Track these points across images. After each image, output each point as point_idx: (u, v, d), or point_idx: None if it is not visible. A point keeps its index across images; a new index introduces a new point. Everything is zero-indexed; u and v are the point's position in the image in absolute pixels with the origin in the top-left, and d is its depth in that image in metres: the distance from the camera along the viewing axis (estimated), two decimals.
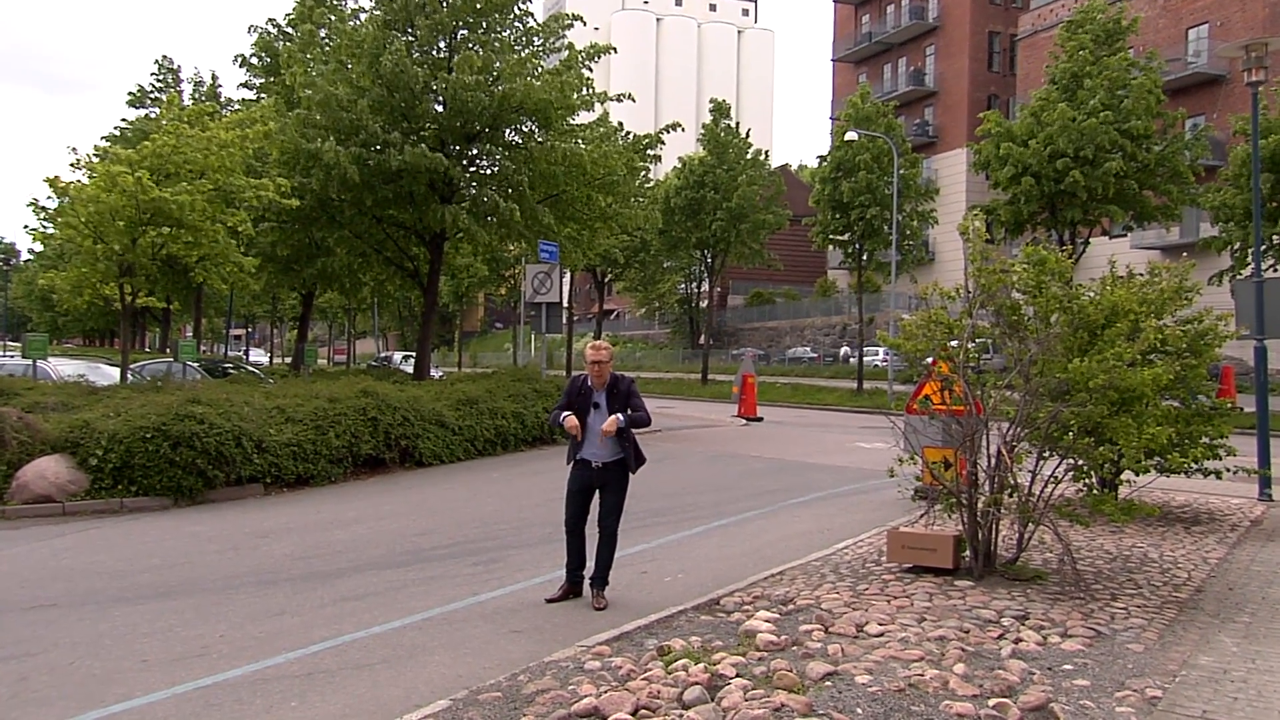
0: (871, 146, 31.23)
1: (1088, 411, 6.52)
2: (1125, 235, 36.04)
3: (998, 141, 26.85)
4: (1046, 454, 6.90)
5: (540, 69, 18.15)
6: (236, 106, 25.08)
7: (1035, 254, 7.22)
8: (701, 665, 4.86)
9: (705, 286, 49.21)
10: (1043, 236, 26.76)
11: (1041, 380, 6.73)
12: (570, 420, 6.61)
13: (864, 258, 32.76)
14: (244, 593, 7.15)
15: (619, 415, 6.52)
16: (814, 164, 41.76)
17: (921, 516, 7.55)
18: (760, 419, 23.70)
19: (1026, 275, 7.18)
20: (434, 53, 18.40)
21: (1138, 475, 8.20)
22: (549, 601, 6.74)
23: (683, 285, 54.84)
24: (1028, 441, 6.84)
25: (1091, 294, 7.50)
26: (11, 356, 21.26)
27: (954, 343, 7.10)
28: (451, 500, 11.44)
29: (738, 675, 4.76)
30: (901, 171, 30.76)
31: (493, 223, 19.08)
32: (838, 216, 32.00)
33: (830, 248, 35.55)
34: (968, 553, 6.97)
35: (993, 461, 6.72)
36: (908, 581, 6.77)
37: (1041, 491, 6.78)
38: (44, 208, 18.41)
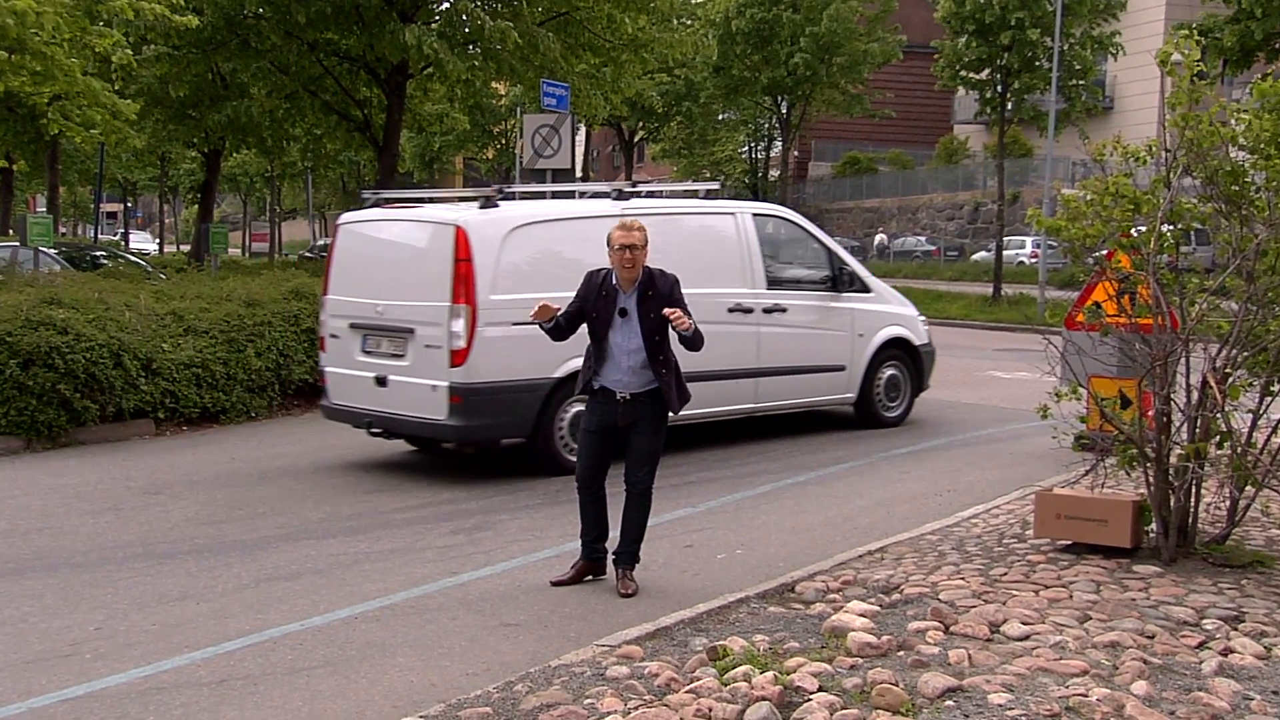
0: None
1: None
2: None
3: None
4: (1276, 387, 6.79)
5: None
6: None
7: (1274, 94, 6.99)
8: (770, 674, 4.89)
9: (778, 149, 48.72)
10: None
11: (1272, 280, 6.59)
12: (542, 307, 6.54)
13: (1009, 105, 32.06)
14: (129, 569, 7.28)
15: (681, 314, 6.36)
16: None
17: (1085, 474, 7.49)
18: None
19: (1257, 126, 6.95)
20: None
21: None
22: (556, 584, 6.81)
23: (746, 147, 54.31)
24: (1248, 369, 6.75)
25: None
26: None
27: (1141, 226, 6.96)
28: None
29: (820, 689, 4.80)
30: None
31: (475, 52, 18.84)
32: (976, 44, 31.17)
33: (961, 90, 34.82)
34: (1153, 526, 6.94)
35: (1194, 397, 6.64)
36: (1064, 565, 6.75)
37: (1267, 441, 6.69)
38: None
